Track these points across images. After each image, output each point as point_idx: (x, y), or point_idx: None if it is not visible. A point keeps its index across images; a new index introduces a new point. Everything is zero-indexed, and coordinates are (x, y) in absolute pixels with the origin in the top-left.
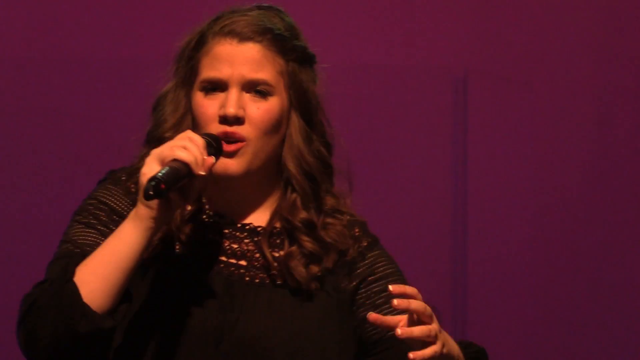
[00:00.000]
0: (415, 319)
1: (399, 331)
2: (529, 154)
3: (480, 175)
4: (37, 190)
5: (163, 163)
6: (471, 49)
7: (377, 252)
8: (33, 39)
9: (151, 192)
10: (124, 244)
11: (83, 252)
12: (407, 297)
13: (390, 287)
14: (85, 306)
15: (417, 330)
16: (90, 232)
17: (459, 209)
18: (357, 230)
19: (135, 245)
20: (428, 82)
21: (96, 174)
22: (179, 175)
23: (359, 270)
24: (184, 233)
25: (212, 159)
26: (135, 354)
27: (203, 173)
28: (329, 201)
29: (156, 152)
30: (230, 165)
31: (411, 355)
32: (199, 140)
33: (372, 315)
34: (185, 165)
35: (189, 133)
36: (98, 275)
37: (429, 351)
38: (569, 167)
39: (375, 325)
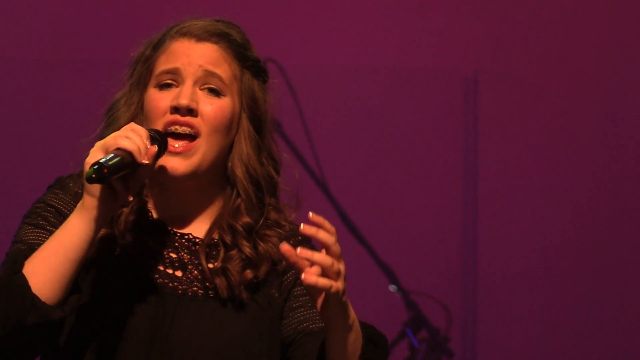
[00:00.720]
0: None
1: (303, 275)
2: (539, 153)
3: (490, 173)
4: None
5: (107, 152)
6: (481, 50)
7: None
8: (56, 41)
9: (94, 176)
10: (71, 235)
11: (32, 248)
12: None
13: (310, 214)
14: (34, 297)
15: (322, 281)
16: (39, 232)
17: (470, 207)
18: (294, 240)
19: (83, 235)
20: (439, 83)
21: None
22: (122, 162)
23: (288, 280)
24: (126, 238)
25: (154, 148)
26: (75, 352)
27: (146, 162)
28: (272, 215)
29: (100, 143)
30: (178, 165)
31: (303, 276)
32: (142, 131)
33: (284, 247)
34: (129, 153)
35: (132, 125)
36: (47, 267)
37: (324, 281)
38: (578, 166)
39: (290, 326)
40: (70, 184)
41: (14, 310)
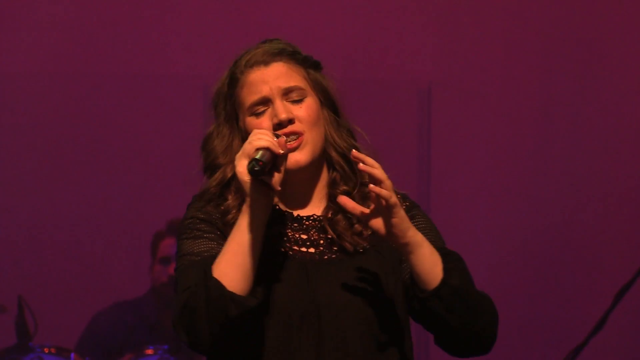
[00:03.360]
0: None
1: (370, 186)
2: (485, 154)
3: (442, 173)
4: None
5: (249, 156)
6: (435, 64)
7: (414, 212)
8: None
9: (256, 168)
10: (245, 234)
11: (210, 256)
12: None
13: (353, 152)
14: (232, 294)
15: (384, 191)
16: (200, 242)
17: (423, 205)
18: (397, 196)
19: (254, 231)
20: (396, 94)
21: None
22: (268, 157)
23: None
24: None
25: (283, 138)
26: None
27: (282, 151)
28: (366, 177)
29: (239, 154)
30: (299, 157)
31: (370, 186)
32: (266, 130)
33: (342, 198)
34: (267, 149)
35: (255, 130)
36: (233, 266)
37: (385, 192)
38: (517, 164)
39: (407, 270)
40: (206, 197)
41: (218, 310)
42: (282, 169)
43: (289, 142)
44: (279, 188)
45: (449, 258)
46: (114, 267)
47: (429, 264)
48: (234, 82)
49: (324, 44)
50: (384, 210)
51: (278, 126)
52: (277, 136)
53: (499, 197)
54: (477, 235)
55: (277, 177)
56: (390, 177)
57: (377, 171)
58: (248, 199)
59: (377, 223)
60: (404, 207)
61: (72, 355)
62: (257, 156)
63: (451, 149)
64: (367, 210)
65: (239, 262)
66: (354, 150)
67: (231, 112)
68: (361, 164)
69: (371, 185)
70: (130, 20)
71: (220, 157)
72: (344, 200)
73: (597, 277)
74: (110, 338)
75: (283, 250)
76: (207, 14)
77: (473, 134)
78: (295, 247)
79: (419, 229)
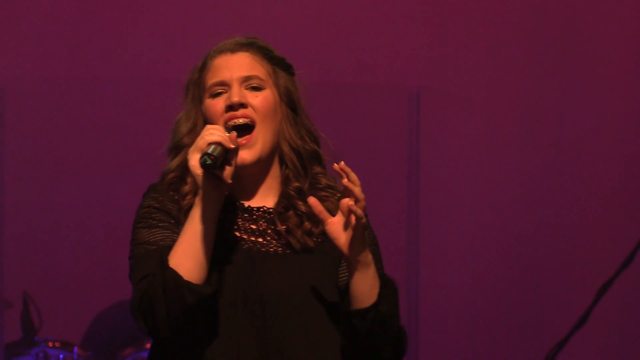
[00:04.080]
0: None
1: (346, 199)
2: (474, 158)
3: (431, 176)
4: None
5: (202, 150)
6: (423, 69)
7: (367, 231)
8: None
9: (208, 162)
10: (197, 224)
11: (165, 245)
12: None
13: (338, 165)
14: (188, 283)
15: (359, 210)
16: (155, 231)
17: (413, 207)
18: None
19: (207, 222)
20: (385, 98)
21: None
22: (219, 151)
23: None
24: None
25: (234, 133)
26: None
27: (233, 146)
28: (323, 180)
29: (192, 148)
30: (245, 155)
31: (346, 200)
32: (218, 126)
33: (311, 200)
34: (218, 144)
35: (208, 125)
36: (188, 256)
37: (359, 210)
38: (504, 166)
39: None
40: (163, 187)
41: (175, 298)
42: (233, 162)
43: (239, 134)
44: (230, 181)
45: (387, 285)
46: (117, 264)
47: (369, 285)
48: (203, 67)
49: (313, 48)
50: (349, 224)
51: (230, 108)
52: (229, 131)
53: (487, 200)
54: (464, 237)
55: (228, 171)
56: (379, 179)
57: (358, 189)
58: (200, 192)
59: (336, 232)
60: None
61: (76, 349)
62: (209, 150)
63: (440, 153)
64: (331, 218)
65: (193, 252)
66: (342, 162)
67: (197, 95)
68: (345, 180)
69: (349, 202)
70: (138, 22)
71: (185, 137)
72: (314, 202)
73: (579, 275)
74: (113, 331)
75: (232, 238)
76: (199, 14)
77: (462, 138)
78: (245, 236)
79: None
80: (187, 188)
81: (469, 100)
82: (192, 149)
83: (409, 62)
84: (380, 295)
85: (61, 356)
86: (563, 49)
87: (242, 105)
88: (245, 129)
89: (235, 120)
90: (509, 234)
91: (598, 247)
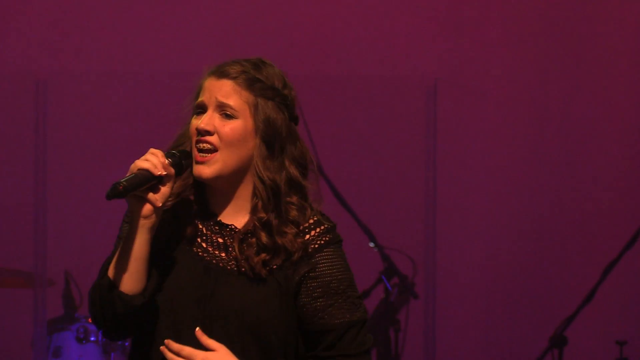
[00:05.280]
0: None
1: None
2: (490, 149)
3: (447, 162)
4: None
5: (132, 172)
6: (440, 62)
7: (324, 253)
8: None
9: (110, 193)
10: (131, 242)
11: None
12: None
13: (161, 348)
14: (119, 292)
15: None
16: (118, 242)
17: (430, 189)
18: (317, 230)
19: (139, 240)
20: (402, 90)
21: None
22: (141, 179)
23: (303, 267)
24: (186, 226)
25: (166, 161)
26: (143, 317)
27: (162, 172)
28: (292, 213)
29: (131, 166)
30: (202, 170)
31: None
32: (158, 152)
33: (198, 332)
34: (146, 170)
35: (151, 149)
36: (121, 269)
37: None
38: (520, 156)
39: (309, 318)
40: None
41: (108, 305)
42: (168, 186)
43: (202, 156)
44: (159, 204)
45: None
46: None
47: None
48: (200, 83)
49: (332, 41)
50: None
51: (198, 132)
52: (173, 155)
53: (502, 186)
54: (481, 222)
55: (160, 193)
56: (397, 170)
57: None
58: (131, 211)
59: None
60: (320, 243)
61: None
62: (125, 179)
63: (457, 144)
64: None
65: (126, 266)
66: (197, 329)
67: (192, 107)
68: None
69: None
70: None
71: (182, 145)
72: (199, 333)
73: (587, 254)
74: None
75: (195, 249)
76: (227, 7)
77: (478, 129)
78: (209, 248)
79: (323, 275)
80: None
81: (488, 92)
82: (131, 167)
83: (426, 55)
84: None
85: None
86: (573, 43)
87: (208, 132)
88: (209, 151)
89: (200, 145)
90: (523, 218)
91: (604, 229)
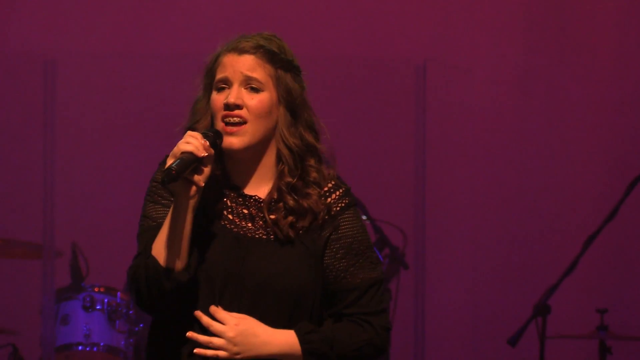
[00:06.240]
0: None
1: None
2: (480, 129)
3: (438, 150)
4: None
5: (175, 157)
6: (429, 43)
7: (346, 215)
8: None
9: (165, 179)
10: (175, 219)
11: (157, 225)
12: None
13: (195, 313)
14: (165, 270)
15: (203, 339)
16: (157, 207)
17: (419, 167)
18: (337, 193)
19: (182, 218)
20: (392, 71)
21: None
22: (187, 161)
23: (328, 228)
24: (212, 201)
25: (207, 143)
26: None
27: (205, 154)
28: (313, 174)
29: (171, 153)
30: (232, 141)
31: (188, 334)
32: (196, 134)
33: (213, 308)
34: (190, 153)
35: (189, 132)
36: (167, 246)
37: (210, 352)
38: (502, 130)
39: (332, 278)
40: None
41: (154, 283)
42: (209, 167)
43: (231, 126)
44: (202, 184)
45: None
46: None
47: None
48: (215, 59)
49: (321, 22)
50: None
51: (227, 107)
52: (209, 136)
53: (489, 165)
54: (469, 197)
55: (203, 174)
56: (387, 149)
57: (217, 341)
58: (173, 192)
59: None
60: (341, 205)
61: (119, 294)
62: (174, 163)
63: (446, 124)
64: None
65: (169, 244)
66: (189, 332)
67: (209, 83)
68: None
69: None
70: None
71: (198, 123)
72: (191, 335)
73: (569, 228)
74: None
75: (223, 221)
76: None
77: (468, 109)
78: (236, 220)
79: (346, 236)
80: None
81: (471, 71)
82: (171, 153)
83: (415, 36)
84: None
85: (106, 300)
86: (559, 24)
87: (237, 106)
88: (239, 125)
89: (229, 119)
90: (509, 193)
91: (586, 203)
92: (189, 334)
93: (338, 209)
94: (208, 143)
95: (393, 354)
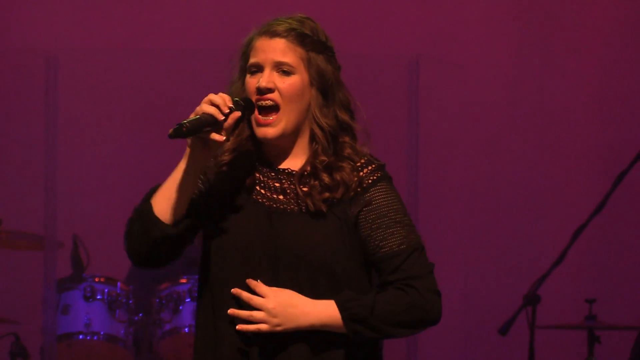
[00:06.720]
0: None
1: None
2: (472, 124)
3: (430, 140)
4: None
5: (197, 113)
6: (422, 39)
7: (378, 187)
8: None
9: (172, 133)
10: (178, 173)
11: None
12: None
13: (233, 291)
14: (156, 218)
15: (243, 314)
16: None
17: (412, 170)
18: (369, 168)
19: (186, 174)
20: (384, 67)
21: None
22: (203, 122)
23: (360, 201)
24: (243, 173)
25: (238, 113)
26: (209, 262)
27: (222, 117)
28: (347, 151)
29: (197, 109)
30: (267, 131)
31: (229, 311)
32: (226, 96)
33: (251, 282)
34: (210, 115)
35: (220, 94)
36: (164, 197)
37: (252, 327)
38: (493, 123)
39: (372, 249)
40: None
41: (145, 228)
42: (227, 126)
43: (265, 118)
44: (222, 138)
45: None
46: None
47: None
48: (249, 42)
49: (315, 18)
50: None
51: (259, 91)
52: (241, 106)
53: (481, 159)
54: (461, 191)
55: (222, 133)
56: (382, 141)
57: (245, 314)
58: (187, 148)
59: None
60: (373, 178)
61: (119, 284)
62: (188, 120)
63: (439, 120)
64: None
65: (169, 196)
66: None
67: (243, 66)
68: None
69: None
70: None
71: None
72: (252, 284)
73: (558, 219)
74: (151, 269)
75: (255, 196)
76: None
77: (460, 105)
78: (268, 193)
79: (379, 207)
80: (226, 146)
81: (464, 67)
82: (196, 109)
83: (408, 32)
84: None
85: (106, 290)
86: (548, 20)
87: (269, 90)
88: (271, 109)
89: (261, 102)
90: (500, 184)
91: (574, 196)
92: (230, 311)
93: (370, 182)
94: (238, 114)
95: (385, 343)
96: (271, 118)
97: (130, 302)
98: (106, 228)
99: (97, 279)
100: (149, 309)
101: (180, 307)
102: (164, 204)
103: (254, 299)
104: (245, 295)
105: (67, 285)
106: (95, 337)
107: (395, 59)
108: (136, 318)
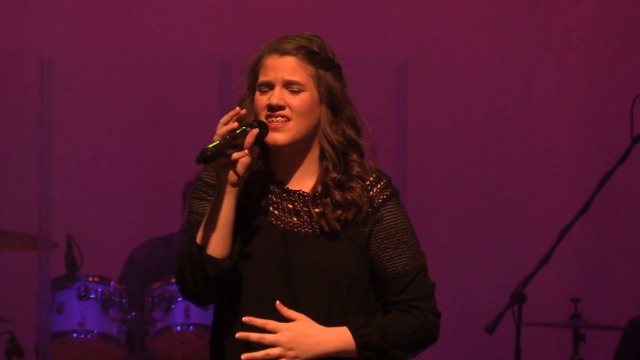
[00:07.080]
0: None
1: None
2: (460, 129)
3: (418, 145)
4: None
5: (219, 137)
6: (410, 42)
7: (388, 206)
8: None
9: (199, 157)
10: (218, 207)
11: (202, 217)
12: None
13: (244, 319)
14: (209, 257)
15: (259, 354)
16: (204, 204)
17: (400, 172)
18: (378, 187)
19: (225, 205)
20: (373, 70)
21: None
22: (225, 144)
23: (371, 220)
24: (256, 196)
25: (256, 130)
26: (230, 283)
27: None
28: (356, 169)
29: (215, 136)
30: (277, 136)
31: (243, 356)
32: (243, 110)
33: (279, 305)
34: (229, 134)
35: (237, 108)
36: (210, 234)
37: (260, 354)
38: (478, 126)
39: (379, 268)
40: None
41: (198, 270)
42: (249, 142)
43: (276, 122)
44: (244, 153)
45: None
46: (150, 210)
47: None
48: (258, 60)
49: (301, 22)
50: None
51: (270, 108)
52: (253, 125)
53: (468, 161)
54: (449, 193)
55: (243, 161)
56: (367, 151)
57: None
58: (216, 178)
59: None
60: (383, 197)
61: (112, 283)
62: (212, 145)
63: (427, 123)
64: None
65: (214, 232)
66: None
67: (252, 83)
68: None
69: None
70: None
71: (245, 119)
72: (279, 306)
73: (545, 219)
74: (145, 268)
75: (269, 217)
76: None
77: (448, 109)
78: (281, 215)
79: (389, 227)
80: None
81: (452, 71)
82: (217, 132)
83: (397, 36)
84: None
85: (99, 289)
86: (531, 26)
87: (280, 107)
88: (283, 121)
89: (272, 119)
90: (486, 185)
91: (560, 196)
92: (244, 356)
93: (380, 200)
94: (256, 131)
95: None
96: (281, 124)
97: (124, 301)
98: (100, 228)
99: (90, 279)
100: (141, 308)
101: (172, 306)
102: (211, 240)
103: (266, 338)
104: (254, 336)
105: (62, 285)
106: (89, 336)
107: (384, 63)
108: (129, 317)
